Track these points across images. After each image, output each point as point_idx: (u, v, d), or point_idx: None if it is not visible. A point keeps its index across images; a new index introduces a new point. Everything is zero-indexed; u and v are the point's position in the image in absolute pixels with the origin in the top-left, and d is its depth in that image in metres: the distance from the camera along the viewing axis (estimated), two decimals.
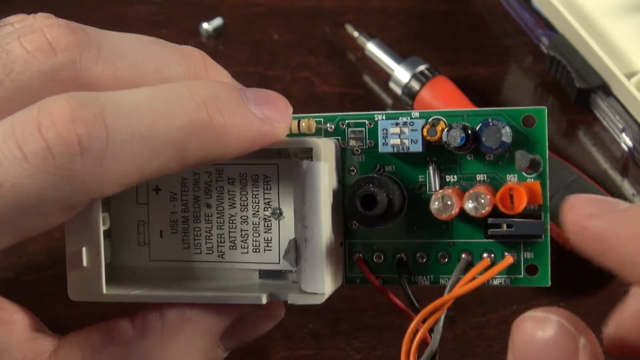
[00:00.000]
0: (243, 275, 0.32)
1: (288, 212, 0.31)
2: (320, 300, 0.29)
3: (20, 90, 0.27)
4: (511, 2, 0.52)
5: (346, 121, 0.31)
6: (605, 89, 0.47)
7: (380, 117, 0.31)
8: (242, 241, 0.31)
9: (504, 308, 0.41)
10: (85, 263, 0.29)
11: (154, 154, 0.26)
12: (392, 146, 0.30)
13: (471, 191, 0.29)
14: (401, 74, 0.48)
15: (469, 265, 0.30)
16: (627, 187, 0.46)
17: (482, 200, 0.28)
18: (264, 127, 0.28)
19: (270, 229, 0.31)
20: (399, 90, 0.48)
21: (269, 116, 0.28)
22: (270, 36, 0.52)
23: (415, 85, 0.48)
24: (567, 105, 0.49)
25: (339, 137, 0.31)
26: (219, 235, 0.31)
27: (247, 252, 0.31)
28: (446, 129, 0.29)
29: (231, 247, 0.31)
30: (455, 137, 0.29)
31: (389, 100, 0.50)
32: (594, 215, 0.25)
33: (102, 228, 0.29)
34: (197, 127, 0.26)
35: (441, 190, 0.29)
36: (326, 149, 0.29)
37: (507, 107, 0.30)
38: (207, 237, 0.32)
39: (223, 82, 0.29)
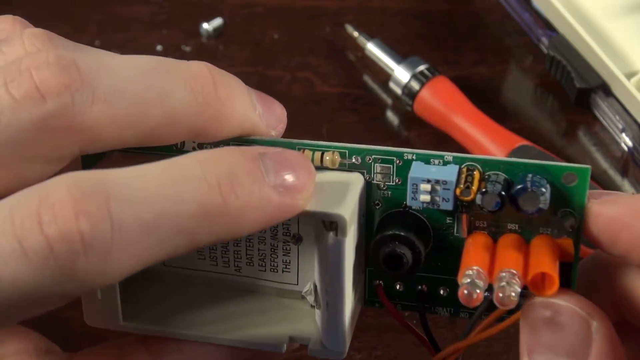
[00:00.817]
0: (260, 289, 0.31)
1: (307, 238, 0.29)
2: (340, 357, 0.28)
3: (10, 143, 0.25)
4: (511, 2, 0.52)
5: (373, 156, 0.29)
6: (605, 89, 0.47)
7: (409, 155, 0.28)
8: (259, 259, 0.30)
9: None
10: (100, 297, 0.29)
11: (161, 244, 0.24)
12: (422, 202, 0.28)
13: (503, 282, 0.26)
14: (401, 74, 0.48)
15: (491, 305, 0.28)
16: (627, 187, 0.46)
17: (513, 294, 0.26)
18: (284, 202, 0.26)
19: (289, 253, 0.30)
20: (399, 90, 0.48)
21: (289, 187, 0.26)
22: (270, 36, 0.52)
23: (415, 85, 0.48)
24: (567, 105, 0.49)
25: (365, 171, 0.29)
26: (236, 252, 0.30)
27: (265, 271, 0.30)
28: (480, 192, 0.27)
29: (248, 264, 0.30)
30: (489, 202, 0.27)
31: (389, 100, 0.50)
32: (610, 200, 0.26)
33: None
34: (210, 213, 0.24)
35: (467, 272, 0.27)
36: (352, 215, 0.28)
37: (548, 161, 0.28)
38: (223, 252, 0.30)
39: (240, 150, 0.27)
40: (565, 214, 0.27)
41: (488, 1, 0.53)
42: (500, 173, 0.28)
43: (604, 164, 0.47)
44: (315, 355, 0.29)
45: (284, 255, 0.30)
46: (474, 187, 0.27)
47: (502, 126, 0.47)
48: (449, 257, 0.29)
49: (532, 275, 0.26)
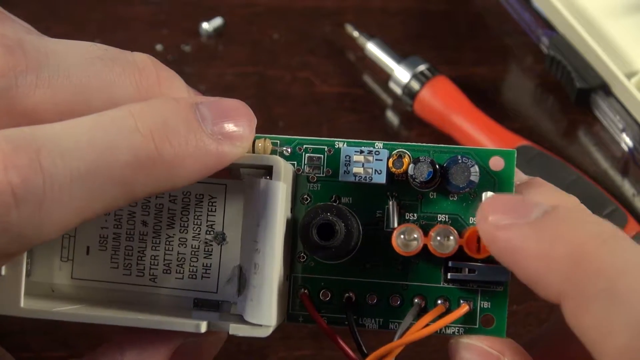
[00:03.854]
0: (175, 302, 0.29)
1: (232, 237, 0.29)
2: (265, 333, 0.26)
3: None
4: (511, 2, 0.52)
5: (304, 146, 0.29)
6: (605, 89, 0.47)
7: (341, 144, 0.29)
8: (177, 265, 0.29)
9: None
10: (3, 272, 0.27)
11: (97, 195, 0.24)
12: (354, 175, 0.28)
13: (440, 227, 0.27)
14: (401, 73, 0.48)
15: (422, 311, 0.28)
16: (627, 187, 0.46)
17: (451, 237, 0.27)
18: (223, 149, 0.25)
19: (211, 255, 0.29)
20: (399, 90, 0.48)
21: (228, 134, 0.26)
22: (270, 36, 0.52)
23: (415, 85, 0.48)
24: (567, 105, 0.49)
25: (295, 162, 0.29)
26: (153, 257, 0.29)
27: (182, 278, 0.29)
28: (413, 162, 0.28)
29: (165, 271, 0.29)
30: (422, 172, 0.27)
31: (389, 100, 0.50)
32: (504, 226, 0.25)
33: None
34: (144, 162, 0.24)
35: (404, 224, 0.28)
36: (286, 169, 0.27)
37: (476, 146, 0.29)
38: (139, 258, 0.29)
39: (174, 100, 0.26)
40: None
41: (488, 1, 0.53)
42: (429, 157, 0.28)
43: (604, 164, 0.47)
44: (237, 334, 0.27)
45: (205, 257, 0.29)
46: (406, 159, 0.28)
47: (502, 126, 0.47)
48: (379, 256, 0.29)
49: (468, 235, 0.27)
